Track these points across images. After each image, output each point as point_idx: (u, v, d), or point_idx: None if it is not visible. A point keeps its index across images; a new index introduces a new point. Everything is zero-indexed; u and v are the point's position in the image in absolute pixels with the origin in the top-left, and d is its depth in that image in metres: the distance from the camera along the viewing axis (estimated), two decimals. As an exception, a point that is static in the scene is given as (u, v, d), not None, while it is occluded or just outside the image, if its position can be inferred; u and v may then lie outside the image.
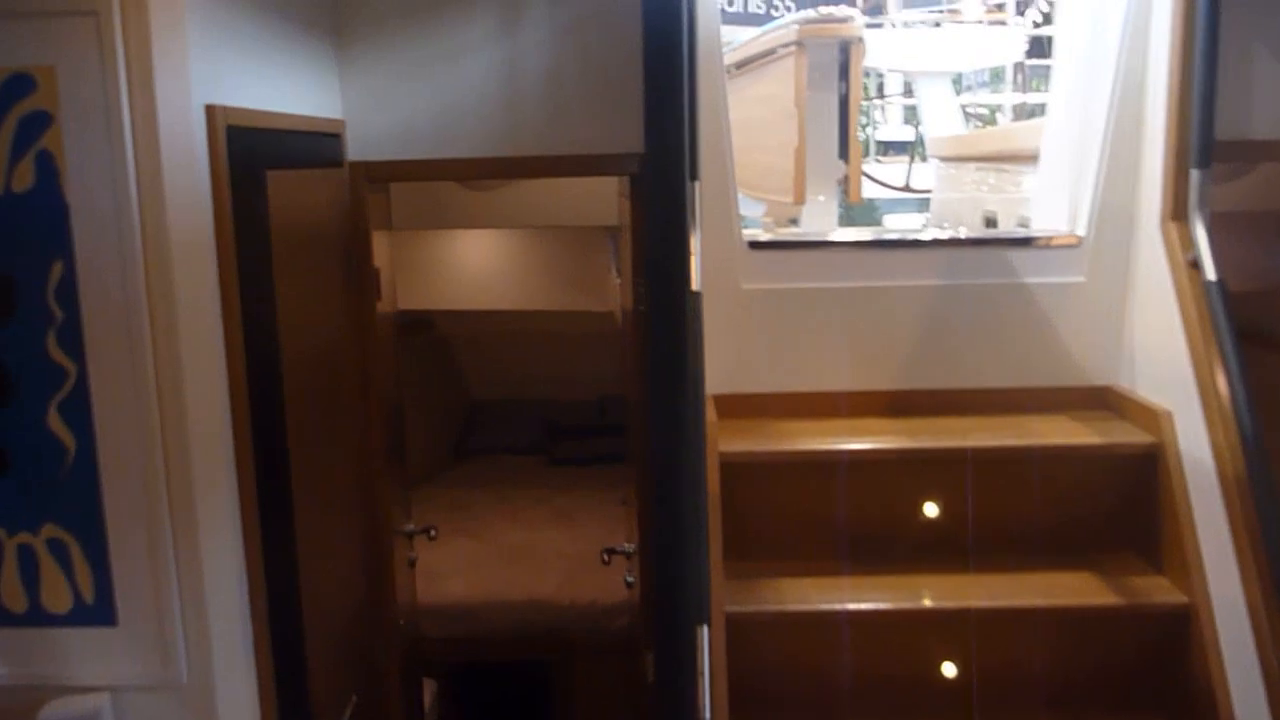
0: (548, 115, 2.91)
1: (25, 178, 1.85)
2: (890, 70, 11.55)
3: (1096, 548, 2.87)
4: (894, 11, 10.15)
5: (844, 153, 4.47)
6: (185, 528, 1.97)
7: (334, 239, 2.84)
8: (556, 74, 2.90)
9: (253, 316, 2.13)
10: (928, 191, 7.72)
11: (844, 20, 4.32)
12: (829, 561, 2.86)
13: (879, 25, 9.61)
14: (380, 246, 3.07)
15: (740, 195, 3.24)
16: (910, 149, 13.54)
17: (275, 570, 2.23)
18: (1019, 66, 11.92)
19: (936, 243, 3.36)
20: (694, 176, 2.23)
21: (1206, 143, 2.68)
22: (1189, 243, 2.74)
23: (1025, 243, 3.25)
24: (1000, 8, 9.89)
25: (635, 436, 3.43)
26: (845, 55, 4.48)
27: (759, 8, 12.97)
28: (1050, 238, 3.20)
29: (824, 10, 4.43)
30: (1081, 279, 3.14)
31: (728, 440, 2.88)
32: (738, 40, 5.44)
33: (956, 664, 2.71)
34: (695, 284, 2.14)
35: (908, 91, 12.89)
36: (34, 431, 1.93)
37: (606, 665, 4.29)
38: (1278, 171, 3.03)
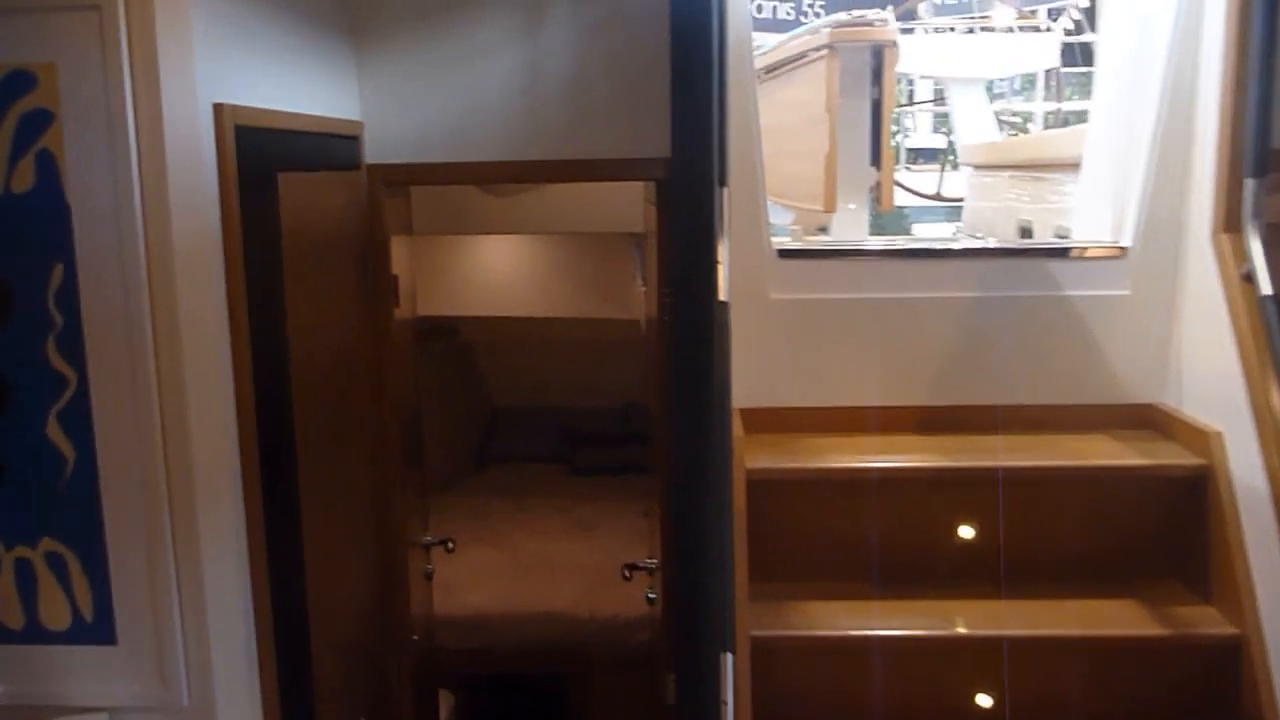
0: (571, 118, 2.83)
1: (25, 178, 1.78)
2: (922, 76, 11.44)
3: (1140, 575, 2.75)
4: (925, 16, 10.04)
5: (876, 159, 4.37)
6: (187, 542, 1.90)
7: (350, 243, 2.77)
8: (581, 76, 2.82)
9: (261, 322, 2.06)
10: (959, 200, 7.59)
11: (877, 24, 4.22)
12: (857, 584, 2.76)
13: (910, 30, 9.50)
14: (399, 252, 3.00)
15: (768, 203, 3.15)
16: (940, 157, 13.40)
17: (282, 586, 2.16)
18: (1051, 73, 11.76)
19: (973, 252, 3.25)
20: (723, 182, 2.14)
21: (1262, 150, 2.56)
22: (1243, 255, 2.61)
23: (1065, 253, 3.13)
24: (1033, 13, 9.76)
25: (658, 447, 3.34)
26: (878, 60, 4.39)
27: (788, 14, 12.88)
28: (1093, 248, 3.09)
29: (856, 13, 4.33)
30: (1126, 291, 3.02)
31: (754, 456, 2.79)
32: (766, 45, 5.35)
33: (992, 695, 2.59)
34: (723, 294, 2.05)
35: (938, 98, 12.76)
36: (32, 441, 1.86)
37: (625, 682, 4.20)
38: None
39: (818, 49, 4.25)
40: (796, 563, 2.82)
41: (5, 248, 1.81)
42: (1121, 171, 3.11)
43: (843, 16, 4.35)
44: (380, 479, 2.94)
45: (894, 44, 4.30)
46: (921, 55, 9.13)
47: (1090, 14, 9.37)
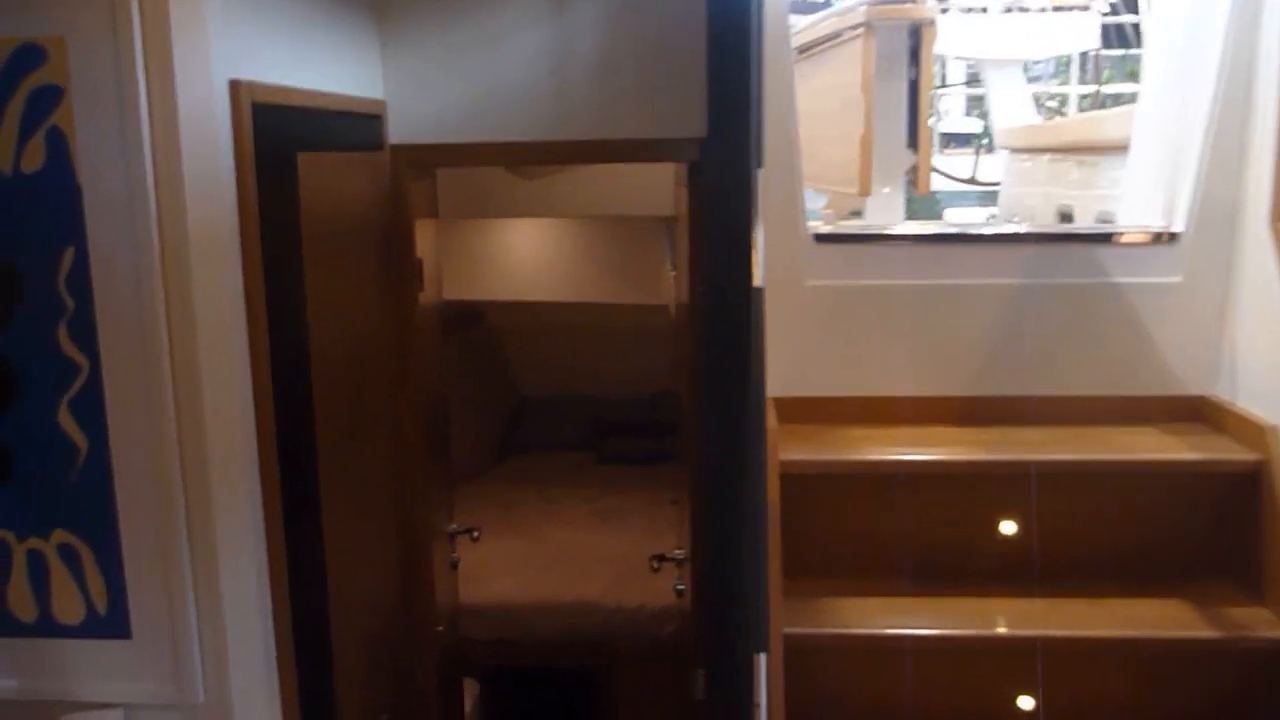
0: (601, 97, 2.74)
1: (35, 157, 1.71)
2: (956, 57, 11.22)
3: (1190, 575, 2.65)
4: (961, -4, 9.83)
5: (913, 142, 4.24)
6: (203, 534, 1.83)
7: (373, 226, 2.70)
8: (611, 54, 2.73)
9: (279, 307, 1.98)
10: (995, 184, 7.43)
11: (915, 1, 4.09)
12: (892, 580, 2.68)
13: (945, 10, 9.31)
14: (424, 235, 2.93)
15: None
16: (974, 140, 13.17)
17: (301, 579, 2.09)
18: (1087, 55, 11.51)
19: (1015, 238, 3.14)
20: (759, 164, 2.06)
21: None
22: None
23: (1111, 239, 3.01)
24: (1072, -7, 9.53)
25: (688, 436, 3.27)
26: (916, 39, 4.26)
27: (820, -6, 12.67)
28: (1142, 234, 2.97)
29: (893, -9, 4.20)
30: (1178, 279, 2.90)
31: (788, 448, 2.70)
32: (798, 25, 5.22)
33: (1033, 697, 2.50)
34: (759, 279, 1.97)
35: (971, 81, 12.52)
36: (44, 430, 1.79)
37: (652, 675, 4.13)
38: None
39: (853, 28, 4.13)
40: (829, 557, 2.74)
41: (15, 230, 1.74)
42: (1173, 154, 2.99)
43: (879, -6, 4.21)
44: (404, 468, 2.88)
45: (932, 22, 4.17)
46: (957, 36, 8.94)
47: (1129, -3, 9.15)
